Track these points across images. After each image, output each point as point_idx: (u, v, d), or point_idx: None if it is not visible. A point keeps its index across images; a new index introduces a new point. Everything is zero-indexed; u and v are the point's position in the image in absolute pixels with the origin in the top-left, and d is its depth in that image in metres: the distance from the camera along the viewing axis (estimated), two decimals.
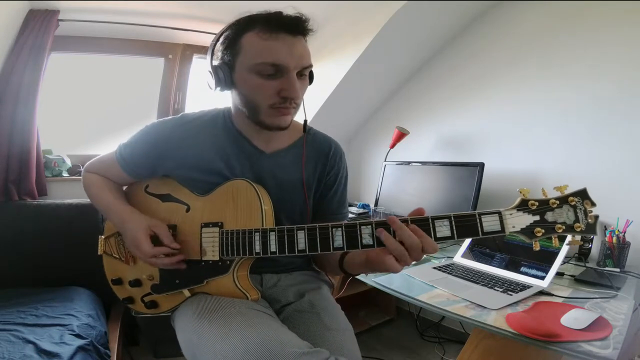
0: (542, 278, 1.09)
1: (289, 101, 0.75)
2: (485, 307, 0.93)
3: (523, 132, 1.69)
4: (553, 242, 0.61)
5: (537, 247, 0.61)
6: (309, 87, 0.82)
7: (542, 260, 1.13)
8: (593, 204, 0.60)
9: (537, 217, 0.60)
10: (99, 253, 0.95)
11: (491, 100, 1.82)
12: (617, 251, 1.26)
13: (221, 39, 0.76)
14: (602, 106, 1.45)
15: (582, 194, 0.60)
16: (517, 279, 1.13)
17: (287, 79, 0.72)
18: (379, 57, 1.92)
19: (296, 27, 0.72)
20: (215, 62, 0.77)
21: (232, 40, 0.74)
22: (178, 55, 2.01)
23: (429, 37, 1.96)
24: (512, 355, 0.96)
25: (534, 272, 1.13)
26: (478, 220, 0.60)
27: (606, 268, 1.26)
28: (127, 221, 0.81)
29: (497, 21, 1.82)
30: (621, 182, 1.38)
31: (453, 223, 0.61)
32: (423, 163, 1.86)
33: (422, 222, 0.63)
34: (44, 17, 1.55)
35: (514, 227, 0.60)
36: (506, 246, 1.26)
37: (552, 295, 1.02)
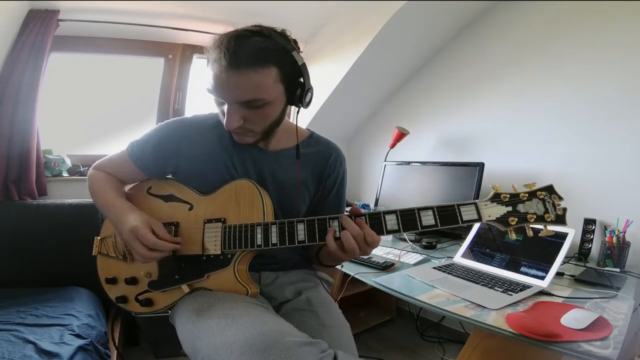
0: (542, 278, 1.09)
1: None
2: (485, 307, 0.93)
3: (523, 132, 1.69)
4: (527, 231, 0.70)
5: (512, 236, 0.68)
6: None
7: (542, 260, 1.13)
8: (560, 198, 0.68)
9: (510, 208, 0.69)
10: (93, 254, 0.95)
11: (491, 100, 1.82)
12: (617, 251, 1.26)
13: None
14: (602, 106, 1.45)
15: (549, 189, 0.69)
16: (517, 279, 1.13)
17: (227, 108, 0.75)
18: (379, 57, 1.92)
19: (232, 62, 0.68)
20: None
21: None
22: (178, 55, 2.00)
23: (429, 38, 1.96)
24: (512, 355, 0.96)
25: (534, 272, 1.13)
26: (457, 210, 0.68)
27: (606, 268, 1.26)
28: (126, 216, 0.80)
29: (496, 21, 1.82)
30: (621, 182, 1.38)
31: (436, 213, 0.69)
32: (423, 163, 1.86)
33: (409, 212, 0.70)
34: (44, 17, 1.55)
35: (489, 216, 0.68)
36: (506, 246, 1.26)
37: (552, 295, 1.02)
